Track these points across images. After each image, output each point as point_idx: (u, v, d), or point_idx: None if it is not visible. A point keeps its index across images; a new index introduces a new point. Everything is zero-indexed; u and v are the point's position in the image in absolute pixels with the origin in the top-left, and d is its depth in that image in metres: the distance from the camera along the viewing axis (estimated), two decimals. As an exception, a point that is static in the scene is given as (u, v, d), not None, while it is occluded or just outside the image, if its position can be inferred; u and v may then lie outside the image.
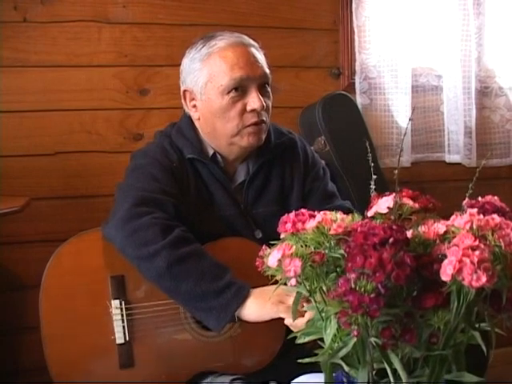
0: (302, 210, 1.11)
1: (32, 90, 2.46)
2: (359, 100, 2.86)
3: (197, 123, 1.97)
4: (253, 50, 1.89)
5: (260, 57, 1.90)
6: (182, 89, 1.95)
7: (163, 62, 2.62)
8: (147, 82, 2.62)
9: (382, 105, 2.89)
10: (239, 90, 1.84)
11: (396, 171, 1.08)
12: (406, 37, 2.83)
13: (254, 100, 1.85)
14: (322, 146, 2.63)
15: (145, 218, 1.72)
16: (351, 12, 2.81)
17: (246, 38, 1.91)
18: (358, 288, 0.94)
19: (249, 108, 1.85)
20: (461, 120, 2.91)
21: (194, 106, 1.93)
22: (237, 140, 1.90)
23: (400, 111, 2.87)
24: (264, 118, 1.89)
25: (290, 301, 1.61)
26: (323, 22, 2.85)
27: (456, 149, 2.96)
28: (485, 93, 3.03)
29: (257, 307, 1.67)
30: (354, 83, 2.87)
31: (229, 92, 1.84)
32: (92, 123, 2.55)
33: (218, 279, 1.68)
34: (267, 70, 1.90)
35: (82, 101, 2.53)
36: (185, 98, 1.95)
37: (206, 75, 1.86)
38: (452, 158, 2.98)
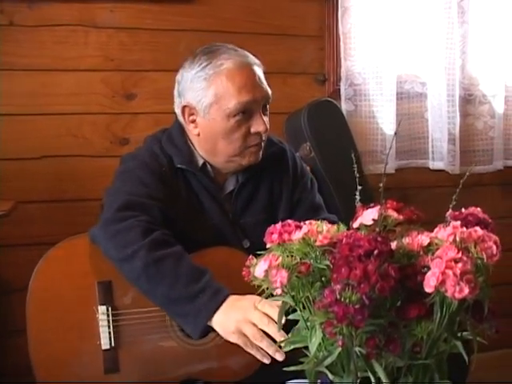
0: (289, 221, 1.12)
1: (19, 94, 2.47)
2: (344, 106, 2.88)
3: (195, 138, 1.95)
4: (257, 68, 1.88)
5: (262, 76, 1.89)
6: (181, 103, 1.91)
7: (150, 67, 2.62)
8: (134, 87, 2.62)
9: (366, 111, 2.91)
10: (245, 113, 1.84)
11: (381, 184, 1.10)
12: (391, 44, 2.86)
13: (258, 123, 1.86)
14: (307, 152, 2.64)
15: (128, 221, 1.73)
16: (337, 19, 2.83)
17: (249, 55, 1.90)
18: (343, 299, 0.95)
19: (253, 131, 1.86)
20: (445, 127, 2.93)
21: (193, 122, 1.91)
22: (237, 159, 1.91)
23: (385, 118, 2.89)
24: (264, 138, 1.91)
25: (248, 332, 1.61)
26: (309, 28, 2.87)
27: (440, 155, 2.98)
28: (469, 100, 3.05)
29: (221, 328, 1.66)
30: (339, 90, 2.89)
31: (235, 115, 1.84)
32: (78, 127, 2.56)
33: (194, 283, 1.67)
34: (269, 90, 1.90)
35: (69, 105, 2.54)
36: (183, 113, 1.92)
37: (211, 96, 1.84)
38: (436, 164, 3.00)
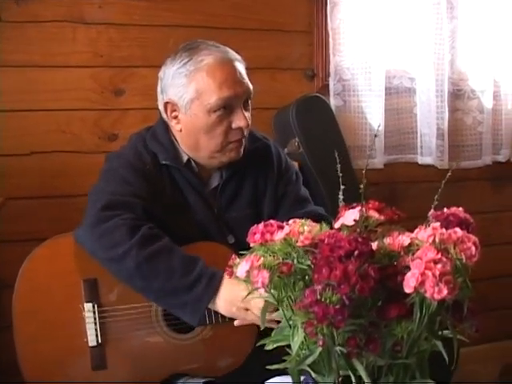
0: (271, 221, 1.13)
1: (7, 90, 2.45)
2: (333, 102, 2.88)
3: (177, 134, 1.96)
4: (238, 64, 1.88)
5: (243, 71, 1.90)
6: (164, 100, 1.92)
7: (139, 63, 2.62)
8: (123, 83, 2.62)
9: (355, 106, 2.91)
10: (226, 108, 1.85)
11: (362, 185, 1.10)
12: (380, 39, 2.86)
13: (239, 118, 1.87)
14: (295, 147, 2.64)
15: (112, 221, 1.74)
16: (326, 14, 2.83)
17: (230, 51, 1.90)
18: (323, 299, 0.96)
19: (234, 126, 1.87)
20: (433, 122, 2.94)
21: (176, 118, 1.92)
22: (219, 155, 1.92)
23: (373, 113, 2.89)
24: (246, 134, 1.92)
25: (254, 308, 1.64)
26: (298, 24, 2.87)
27: (428, 151, 2.99)
28: (457, 95, 3.06)
29: (224, 308, 1.72)
30: (328, 85, 2.89)
31: (216, 110, 1.84)
32: (67, 123, 2.54)
33: (188, 273, 1.70)
34: (250, 86, 1.90)
35: (58, 101, 2.52)
36: (166, 109, 1.93)
37: (192, 92, 1.85)
38: (424, 159, 3.01)
